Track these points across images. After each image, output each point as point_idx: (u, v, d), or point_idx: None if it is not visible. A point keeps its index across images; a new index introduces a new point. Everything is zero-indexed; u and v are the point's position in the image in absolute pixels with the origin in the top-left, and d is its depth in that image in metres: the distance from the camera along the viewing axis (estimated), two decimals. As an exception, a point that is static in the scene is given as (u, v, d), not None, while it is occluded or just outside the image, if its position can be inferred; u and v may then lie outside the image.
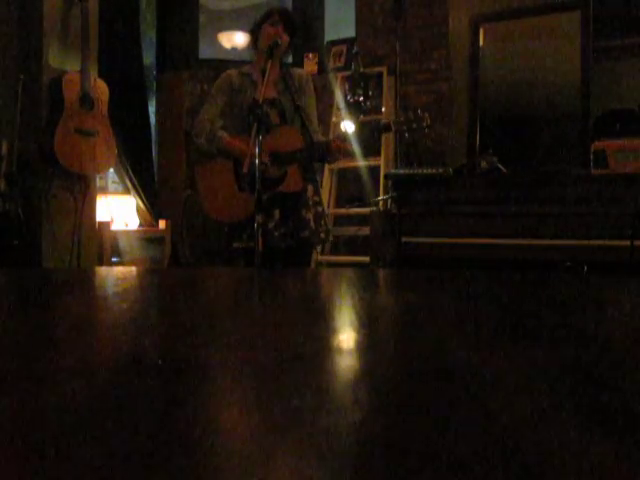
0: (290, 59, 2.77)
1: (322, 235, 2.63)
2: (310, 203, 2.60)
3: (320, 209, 2.65)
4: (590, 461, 0.28)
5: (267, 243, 2.44)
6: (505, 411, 0.35)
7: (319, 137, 2.64)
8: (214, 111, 2.67)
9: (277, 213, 2.53)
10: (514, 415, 0.34)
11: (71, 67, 3.61)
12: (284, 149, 2.50)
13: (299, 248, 2.58)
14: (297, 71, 2.78)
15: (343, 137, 2.60)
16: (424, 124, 2.54)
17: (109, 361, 0.48)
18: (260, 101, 2.40)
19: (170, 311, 0.79)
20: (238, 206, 2.57)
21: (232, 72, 2.72)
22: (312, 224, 2.58)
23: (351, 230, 4.19)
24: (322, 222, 2.63)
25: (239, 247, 2.60)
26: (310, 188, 2.62)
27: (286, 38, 2.62)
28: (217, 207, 2.66)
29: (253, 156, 2.32)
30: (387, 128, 2.62)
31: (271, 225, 2.51)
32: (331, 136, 4.36)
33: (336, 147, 2.51)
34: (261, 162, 2.34)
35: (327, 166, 4.31)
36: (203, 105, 2.77)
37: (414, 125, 2.54)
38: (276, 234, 2.52)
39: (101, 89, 3.66)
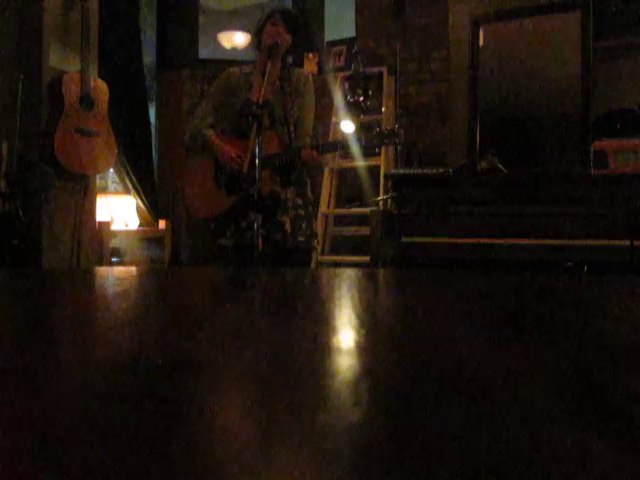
0: (290, 59, 2.76)
1: (301, 239, 2.58)
2: (289, 206, 2.58)
3: (301, 212, 2.61)
4: (590, 462, 0.28)
5: (245, 243, 2.46)
6: (505, 411, 0.35)
7: (305, 141, 2.62)
8: (206, 109, 2.72)
9: (252, 215, 2.53)
10: (514, 415, 0.34)
11: (71, 67, 3.61)
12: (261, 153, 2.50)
13: (278, 252, 2.57)
14: (297, 71, 2.77)
15: (321, 147, 2.58)
16: (397, 140, 2.53)
17: (109, 361, 0.48)
18: (259, 102, 2.41)
19: (170, 311, 0.79)
20: (213, 203, 2.63)
21: (234, 70, 2.73)
22: (287, 227, 2.56)
23: (351, 230, 4.19)
24: (302, 225, 2.59)
25: (222, 245, 2.62)
26: (290, 191, 2.60)
27: (287, 38, 2.61)
28: (195, 202, 2.73)
29: (252, 156, 2.33)
30: (359, 143, 2.59)
31: (245, 225, 2.52)
32: (330, 135, 4.37)
33: (304, 155, 2.50)
34: (239, 163, 2.38)
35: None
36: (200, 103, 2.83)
37: (386, 141, 2.54)
38: (249, 235, 2.50)
39: (101, 89, 3.66)
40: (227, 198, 2.59)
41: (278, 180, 2.58)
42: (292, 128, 2.54)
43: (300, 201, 2.63)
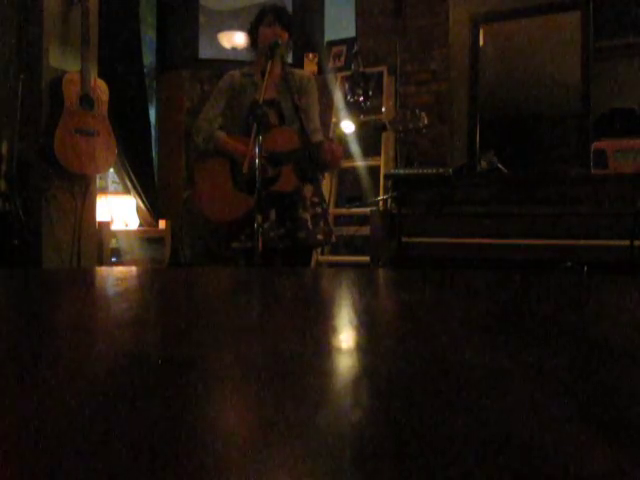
0: (290, 59, 2.77)
1: (319, 236, 2.57)
2: (308, 203, 2.58)
3: (319, 210, 2.61)
4: (590, 464, 0.28)
5: (265, 244, 2.41)
6: (505, 411, 0.35)
7: (319, 138, 2.63)
8: (214, 111, 2.71)
9: (273, 213, 2.52)
10: (514, 416, 0.34)
11: (71, 67, 3.61)
12: (281, 149, 2.49)
13: (297, 249, 2.56)
14: (299, 72, 2.78)
15: (339, 140, 2.59)
16: (421, 124, 2.51)
17: (109, 361, 0.48)
18: (260, 101, 2.41)
19: (170, 311, 0.79)
20: (233, 205, 2.57)
21: (235, 73, 2.74)
22: (309, 225, 2.55)
23: (351, 230, 4.19)
24: (321, 223, 2.60)
25: (238, 248, 2.58)
26: (309, 188, 2.60)
27: (285, 36, 2.62)
28: (212, 206, 2.65)
29: (253, 156, 2.32)
30: (383, 128, 2.60)
31: (267, 225, 2.49)
32: (331, 135, 4.37)
33: (328, 148, 2.47)
34: (261, 162, 2.34)
35: (327, 166, 4.30)
36: (204, 105, 2.80)
37: (410, 125, 2.51)
38: (272, 234, 2.49)
39: (101, 89, 3.66)
40: (247, 200, 2.50)
41: (298, 176, 2.56)
42: (305, 124, 2.53)
43: (317, 199, 2.62)
